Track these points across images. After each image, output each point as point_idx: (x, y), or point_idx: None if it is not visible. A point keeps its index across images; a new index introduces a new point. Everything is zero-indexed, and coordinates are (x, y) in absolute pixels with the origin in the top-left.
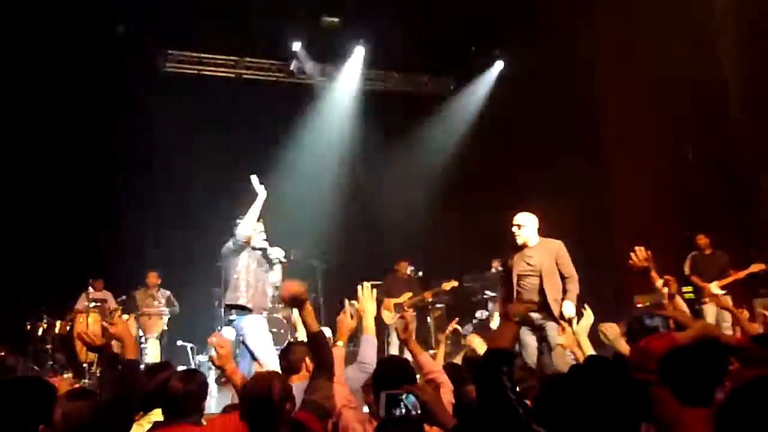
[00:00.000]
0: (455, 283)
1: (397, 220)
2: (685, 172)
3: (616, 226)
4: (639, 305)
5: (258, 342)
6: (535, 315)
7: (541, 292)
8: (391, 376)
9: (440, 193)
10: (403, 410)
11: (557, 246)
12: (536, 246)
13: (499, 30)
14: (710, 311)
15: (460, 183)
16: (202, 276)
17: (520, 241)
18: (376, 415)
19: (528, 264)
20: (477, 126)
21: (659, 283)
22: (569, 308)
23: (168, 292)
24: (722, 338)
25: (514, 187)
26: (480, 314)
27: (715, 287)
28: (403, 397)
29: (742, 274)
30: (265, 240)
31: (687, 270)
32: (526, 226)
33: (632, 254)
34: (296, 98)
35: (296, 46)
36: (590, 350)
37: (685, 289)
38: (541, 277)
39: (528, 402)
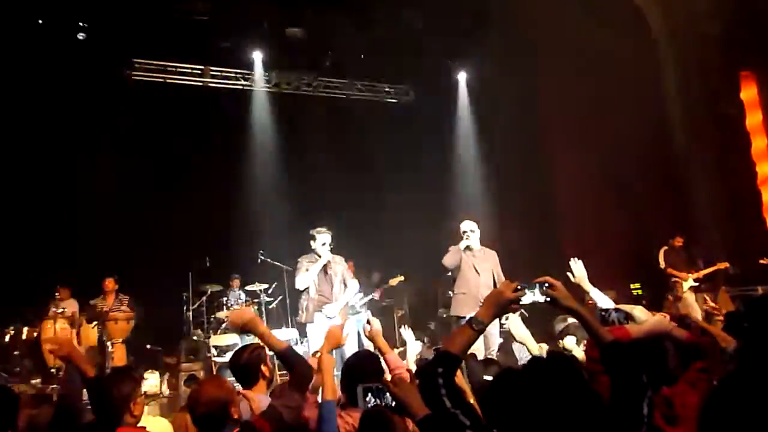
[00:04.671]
0: (401, 278)
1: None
2: (630, 182)
3: (561, 231)
4: (590, 302)
5: None
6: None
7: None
8: (361, 368)
9: (400, 199)
10: (377, 401)
11: (495, 255)
12: (481, 250)
13: (460, 43)
14: (691, 299)
15: (420, 189)
16: (171, 279)
17: (473, 244)
18: (344, 405)
19: (481, 266)
20: (437, 134)
21: (593, 292)
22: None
23: (128, 297)
24: (673, 332)
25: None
26: (441, 312)
27: (690, 279)
28: (377, 389)
29: (711, 269)
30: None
31: (662, 264)
32: (475, 231)
33: (570, 263)
34: (261, 106)
35: (258, 56)
36: (534, 345)
37: (633, 286)
38: (494, 277)
39: None
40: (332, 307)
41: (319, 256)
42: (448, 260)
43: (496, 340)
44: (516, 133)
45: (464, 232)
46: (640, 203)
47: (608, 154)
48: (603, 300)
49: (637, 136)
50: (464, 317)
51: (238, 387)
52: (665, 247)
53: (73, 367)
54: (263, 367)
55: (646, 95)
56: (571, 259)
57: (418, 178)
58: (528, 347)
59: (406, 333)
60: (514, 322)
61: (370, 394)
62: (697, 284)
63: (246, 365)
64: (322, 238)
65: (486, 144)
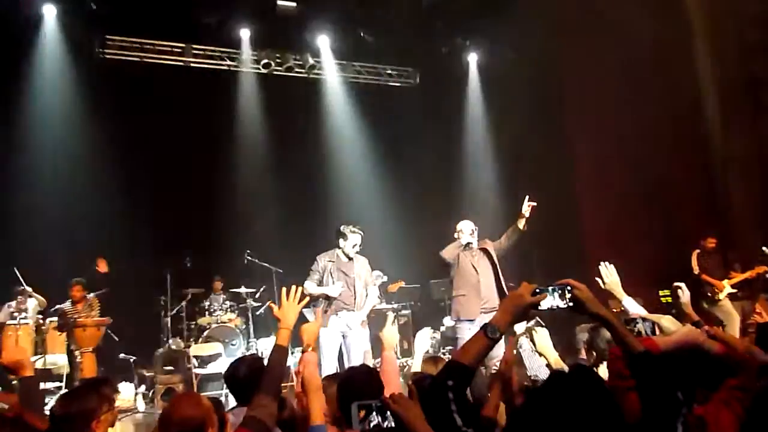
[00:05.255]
0: (401, 283)
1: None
2: (660, 178)
3: (582, 231)
4: (615, 311)
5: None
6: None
7: (499, 289)
8: (359, 386)
9: (404, 194)
10: (374, 421)
11: (488, 242)
12: (479, 250)
13: (471, 21)
14: (728, 306)
15: (425, 183)
16: (147, 279)
17: (475, 244)
18: (338, 425)
19: (481, 264)
20: (444, 123)
21: (626, 300)
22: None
23: (93, 296)
24: (705, 345)
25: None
26: (447, 321)
27: (727, 285)
28: (375, 407)
29: (752, 274)
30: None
31: (696, 269)
32: (475, 232)
33: (601, 268)
34: (248, 89)
35: (246, 33)
36: (555, 356)
37: (662, 293)
38: (495, 271)
39: None
40: (353, 317)
41: (347, 257)
42: (447, 252)
43: (500, 351)
44: (533, 123)
45: (460, 230)
46: (671, 201)
47: (636, 146)
48: (637, 310)
49: (667, 126)
50: (464, 320)
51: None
52: (698, 251)
53: (24, 426)
54: None
55: (679, 80)
56: (602, 262)
57: (421, 171)
58: (548, 359)
59: (421, 334)
60: (541, 333)
61: (365, 413)
62: (734, 290)
63: (246, 379)
64: (354, 239)
65: (498, 134)
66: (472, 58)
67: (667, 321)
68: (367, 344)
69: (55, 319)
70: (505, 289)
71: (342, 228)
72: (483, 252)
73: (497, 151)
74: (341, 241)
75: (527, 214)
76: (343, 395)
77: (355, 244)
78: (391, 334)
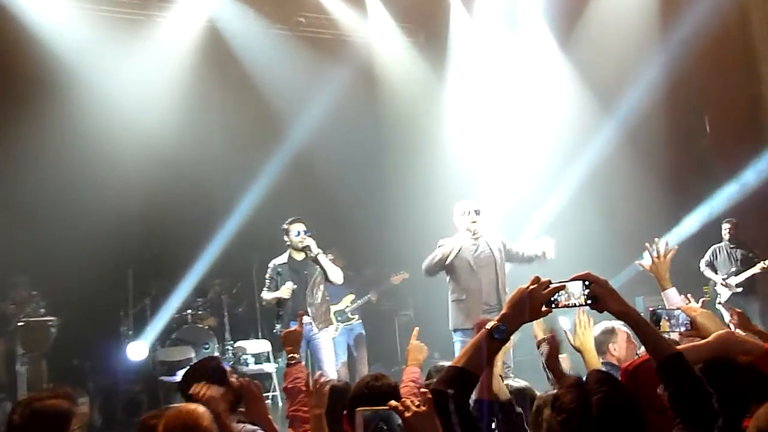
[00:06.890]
0: (406, 276)
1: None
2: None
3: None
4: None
5: None
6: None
7: (498, 287)
8: (373, 400)
9: (408, 171)
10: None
11: (500, 236)
12: (481, 240)
13: None
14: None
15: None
16: (104, 273)
17: (479, 229)
18: None
19: (480, 262)
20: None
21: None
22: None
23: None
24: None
25: None
26: None
27: (721, 282)
28: (383, 416)
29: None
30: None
31: (703, 265)
32: (479, 215)
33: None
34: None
35: None
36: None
37: (706, 288)
38: (496, 269)
39: None
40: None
41: (301, 250)
42: (443, 252)
43: (511, 354)
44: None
45: (465, 212)
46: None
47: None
48: (677, 301)
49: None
50: (460, 330)
51: None
52: (719, 244)
53: None
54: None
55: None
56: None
57: (430, 145)
58: (586, 362)
59: None
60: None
61: (373, 423)
62: (739, 290)
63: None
64: (295, 228)
65: (525, 103)
66: (494, 11)
67: (703, 317)
68: (332, 346)
69: None
70: (501, 295)
71: (283, 226)
72: (488, 244)
73: (522, 125)
74: (286, 238)
75: (551, 256)
76: (354, 406)
77: (299, 232)
78: (416, 348)
